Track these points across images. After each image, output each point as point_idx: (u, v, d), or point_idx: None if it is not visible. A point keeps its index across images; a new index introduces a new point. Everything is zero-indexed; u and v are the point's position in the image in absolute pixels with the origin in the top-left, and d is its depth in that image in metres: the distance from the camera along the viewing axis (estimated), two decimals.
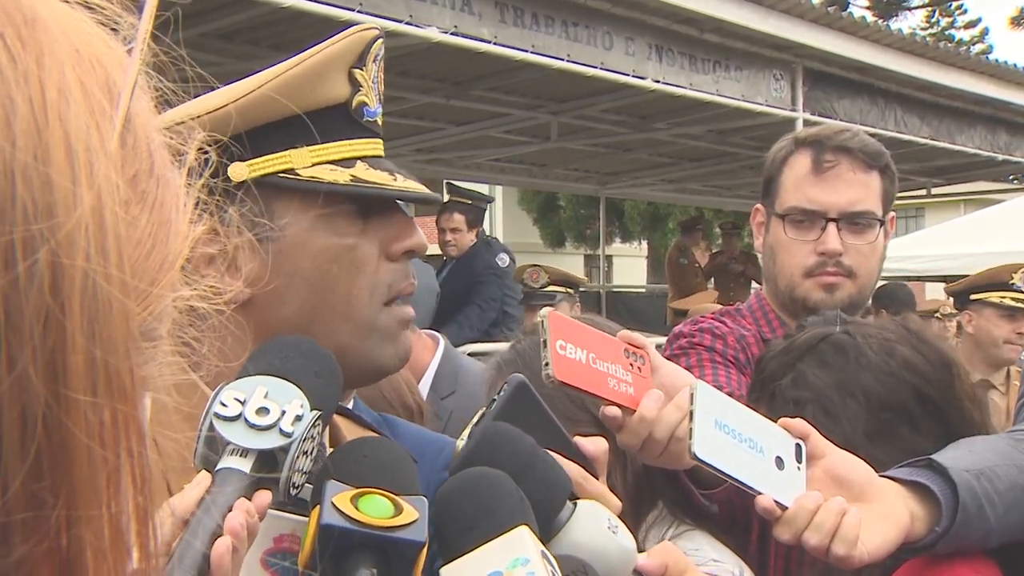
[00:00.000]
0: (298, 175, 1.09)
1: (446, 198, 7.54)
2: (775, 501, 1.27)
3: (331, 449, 1.17)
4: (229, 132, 1.06)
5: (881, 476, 1.37)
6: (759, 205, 2.22)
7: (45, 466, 0.41)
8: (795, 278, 2.12)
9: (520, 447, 0.98)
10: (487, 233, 8.03)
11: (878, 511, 1.32)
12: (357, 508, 0.89)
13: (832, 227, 2.08)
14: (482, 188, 11.69)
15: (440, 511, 0.92)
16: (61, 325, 0.41)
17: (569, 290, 5.78)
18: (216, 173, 1.07)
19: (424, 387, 3.49)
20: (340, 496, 0.90)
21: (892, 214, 2.21)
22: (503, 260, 7.07)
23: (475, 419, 1.03)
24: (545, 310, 1.25)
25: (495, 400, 1.05)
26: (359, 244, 1.13)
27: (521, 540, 0.87)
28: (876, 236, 2.12)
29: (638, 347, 1.32)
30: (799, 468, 1.31)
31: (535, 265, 6.19)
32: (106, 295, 0.42)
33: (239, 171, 1.08)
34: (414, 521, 0.90)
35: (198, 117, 1.05)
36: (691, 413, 1.23)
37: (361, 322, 1.13)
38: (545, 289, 5.78)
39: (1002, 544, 1.48)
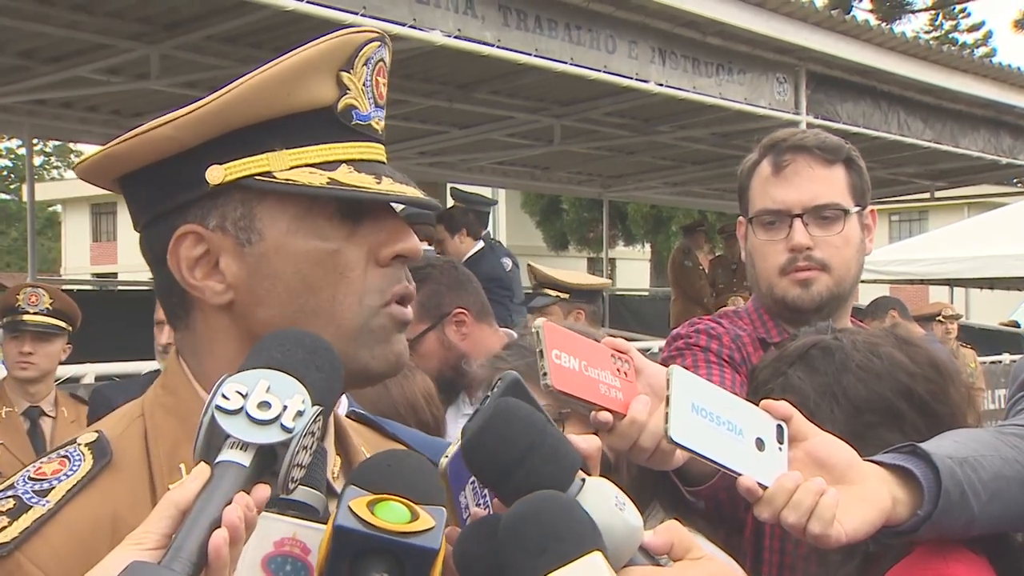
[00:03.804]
0: (275, 178, 1.08)
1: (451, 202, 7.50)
2: (756, 482, 1.29)
3: (338, 455, 1.18)
4: (203, 137, 1.07)
5: (865, 460, 1.38)
6: (741, 217, 2.28)
7: None
8: (772, 278, 2.17)
9: (531, 421, 0.99)
10: (491, 236, 7.99)
11: (859, 493, 1.33)
12: (373, 513, 0.90)
13: (798, 223, 2.14)
14: (485, 191, 11.70)
15: (508, 535, 0.91)
16: None
17: (561, 295, 5.21)
18: (196, 177, 1.07)
19: None
20: (357, 501, 0.91)
21: (872, 208, 2.25)
22: (506, 264, 7.03)
23: (471, 416, 1.04)
24: (539, 320, 1.26)
25: (488, 397, 1.06)
26: (343, 249, 1.11)
27: (595, 567, 0.87)
28: (844, 227, 2.16)
29: (622, 352, 1.34)
30: (780, 449, 1.32)
31: (529, 265, 5.95)
32: None
33: (215, 174, 1.08)
34: (429, 529, 0.91)
35: (176, 119, 1.06)
36: (667, 398, 1.24)
37: (348, 326, 1.12)
38: (538, 292, 5.47)
39: (990, 536, 1.49)
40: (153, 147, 1.08)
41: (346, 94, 1.12)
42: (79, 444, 1.08)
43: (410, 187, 1.15)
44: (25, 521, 1.00)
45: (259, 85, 1.08)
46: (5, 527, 0.99)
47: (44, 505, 1.01)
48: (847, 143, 2.23)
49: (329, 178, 1.09)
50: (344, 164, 1.11)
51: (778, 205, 2.15)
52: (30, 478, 1.04)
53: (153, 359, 4.36)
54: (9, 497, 1.02)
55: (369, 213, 1.14)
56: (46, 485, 1.03)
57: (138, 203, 1.15)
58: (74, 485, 1.03)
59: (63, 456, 1.07)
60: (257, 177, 1.08)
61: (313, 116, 1.11)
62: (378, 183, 1.11)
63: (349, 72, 1.13)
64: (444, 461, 1.09)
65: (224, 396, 0.91)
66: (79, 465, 1.05)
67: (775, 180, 2.17)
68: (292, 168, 1.09)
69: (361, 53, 1.14)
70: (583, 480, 0.99)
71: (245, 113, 1.08)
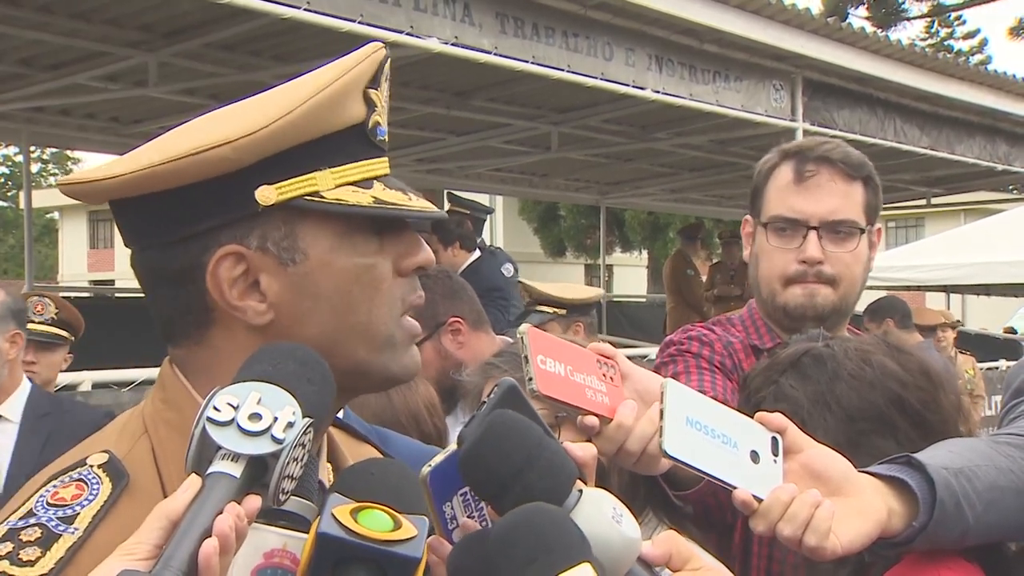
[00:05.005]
0: (323, 198, 1.09)
1: (447, 207, 7.51)
2: (752, 495, 1.28)
3: (328, 462, 1.18)
4: (257, 157, 1.07)
5: (860, 471, 1.38)
6: (748, 216, 2.26)
7: None
8: (776, 284, 2.16)
9: (527, 434, 0.99)
10: (487, 243, 7.98)
11: (854, 505, 1.33)
12: (356, 521, 0.90)
13: (813, 235, 2.12)
14: (482, 198, 11.71)
15: (497, 545, 0.91)
16: None
17: (558, 311, 5.08)
18: (242, 197, 1.07)
19: None
20: (340, 508, 0.91)
21: (878, 226, 2.23)
22: (508, 270, 7.03)
23: (466, 423, 1.05)
24: (524, 326, 1.26)
25: (484, 403, 1.07)
26: (377, 263, 1.14)
27: None
28: (857, 245, 2.15)
29: (608, 357, 1.35)
30: (775, 461, 1.32)
31: (521, 282, 5.92)
32: None
33: (267, 194, 1.07)
34: (412, 537, 0.91)
35: (229, 143, 1.05)
36: (661, 411, 1.24)
37: (379, 337, 1.14)
38: (533, 309, 5.40)
39: (983, 545, 1.49)
40: (206, 168, 1.06)
41: (374, 111, 1.14)
42: (91, 466, 1.07)
43: (423, 200, 1.18)
44: (58, 551, 0.99)
45: (314, 107, 1.08)
46: (40, 557, 0.99)
47: (73, 533, 1.00)
48: (868, 161, 2.21)
49: (372, 197, 1.11)
50: (375, 181, 1.13)
51: (795, 214, 2.13)
52: (49, 504, 1.03)
53: (150, 366, 4.36)
54: (33, 526, 1.01)
55: (392, 227, 1.15)
56: (69, 511, 1.02)
57: (157, 222, 1.11)
58: (98, 510, 1.03)
59: (79, 480, 1.06)
60: (307, 198, 1.09)
61: (346, 134, 1.12)
62: (409, 200, 1.14)
63: (376, 89, 1.14)
64: (426, 470, 1.09)
65: (215, 408, 0.92)
66: (98, 489, 1.04)
67: (796, 188, 2.14)
68: (337, 187, 1.10)
69: (384, 69, 1.15)
70: (580, 491, 0.99)
71: (297, 135, 1.08)
